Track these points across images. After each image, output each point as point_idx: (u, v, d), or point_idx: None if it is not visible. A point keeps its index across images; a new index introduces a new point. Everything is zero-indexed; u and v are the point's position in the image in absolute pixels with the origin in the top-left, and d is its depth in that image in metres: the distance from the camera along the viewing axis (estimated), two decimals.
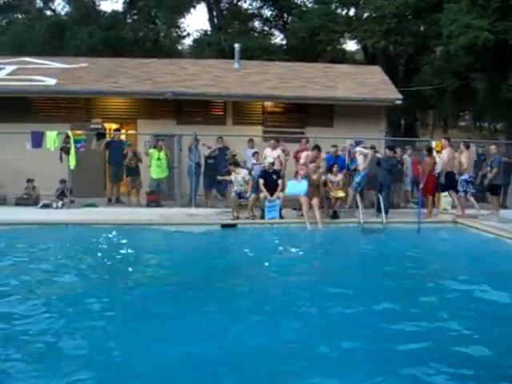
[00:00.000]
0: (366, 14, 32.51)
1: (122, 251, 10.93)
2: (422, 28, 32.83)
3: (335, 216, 14.36)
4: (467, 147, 15.50)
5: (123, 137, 18.10)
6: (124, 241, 11.80)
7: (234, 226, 13.54)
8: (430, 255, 11.44)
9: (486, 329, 6.65)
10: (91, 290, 8.12)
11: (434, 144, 17.43)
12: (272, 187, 14.16)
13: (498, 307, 7.56)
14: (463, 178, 14.97)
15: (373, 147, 15.90)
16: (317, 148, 14.53)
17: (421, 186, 14.51)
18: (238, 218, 13.94)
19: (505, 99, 27.22)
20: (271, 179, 14.31)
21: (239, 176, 14.54)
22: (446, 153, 14.81)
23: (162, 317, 6.94)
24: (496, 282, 8.71)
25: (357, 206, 14.57)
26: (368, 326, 6.70)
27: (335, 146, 15.83)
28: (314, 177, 14.03)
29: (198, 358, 5.71)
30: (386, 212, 14.43)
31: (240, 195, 14.37)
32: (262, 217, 14.10)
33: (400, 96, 18.88)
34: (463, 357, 5.81)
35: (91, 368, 5.49)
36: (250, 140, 17.36)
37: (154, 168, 16.45)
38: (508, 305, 7.67)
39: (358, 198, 14.60)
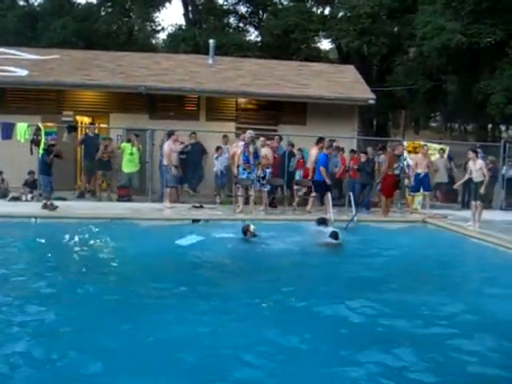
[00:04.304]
0: (340, 14, 32.61)
1: (79, 246, 10.73)
2: (395, 29, 33.05)
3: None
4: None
5: (97, 130, 17.96)
6: (84, 235, 11.52)
7: (204, 221, 13.52)
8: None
9: None
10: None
11: (405, 144, 17.72)
12: None
13: None
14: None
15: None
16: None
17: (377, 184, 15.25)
18: None
19: (475, 101, 27.53)
20: None
21: None
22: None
23: None
24: None
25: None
26: None
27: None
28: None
29: None
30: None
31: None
32: None
33: (373, 96, 19.03)
34: None
35: None
36: (225, 136, 17.41)
37: (125, 162, 16.38)
38: None
39: (329, 197, 14.71)
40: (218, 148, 16.69)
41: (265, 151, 15.64)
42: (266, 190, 15.37)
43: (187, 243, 11.36)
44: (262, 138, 15.94)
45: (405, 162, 17.19)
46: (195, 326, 6.46)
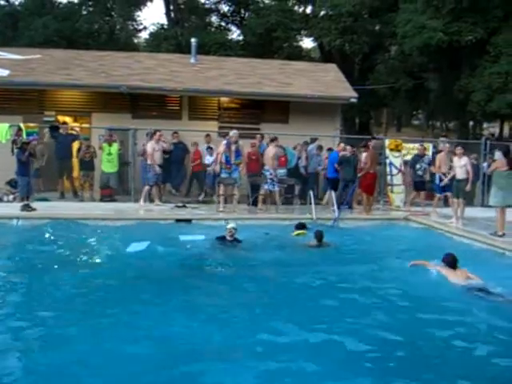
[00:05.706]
0: (322, 12, 32.67)
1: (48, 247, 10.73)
2: (377, 27, 33.24)
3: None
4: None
5: (75, 130, 17.84)
6: (63, 236, 11.55)
7: (188, 221, 13.49)
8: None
9: None
10: None
11: (387, 142, 17.78)
12: None
13: None
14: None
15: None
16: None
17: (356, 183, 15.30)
18: None
19: (456, 99, 27.74)
20: None
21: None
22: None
23: None
24: None
25: (310, 203, 14.69)
26: None
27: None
28: None
29: None
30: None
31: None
32: None
33: (355, 94, 19.10)
34: None
35: None
36: (207, 135, 17.41)
37: (104, 162, 16.30)
38: None
39: (311, 195, 14.77)
40: (209, 148, 16.62)
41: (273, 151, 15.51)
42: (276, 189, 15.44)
43: (188, 239, 11.57)
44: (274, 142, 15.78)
45: (387, 161, 17.33)
46: None
